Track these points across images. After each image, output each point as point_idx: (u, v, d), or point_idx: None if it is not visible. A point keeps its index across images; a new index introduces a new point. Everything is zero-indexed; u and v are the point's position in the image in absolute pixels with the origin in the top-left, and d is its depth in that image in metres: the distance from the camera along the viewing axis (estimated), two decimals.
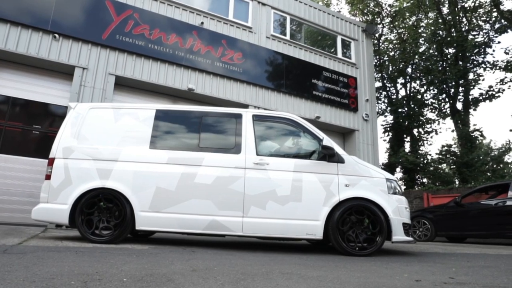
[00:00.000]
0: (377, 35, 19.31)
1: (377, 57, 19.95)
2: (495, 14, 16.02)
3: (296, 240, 4.69)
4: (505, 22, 15.11)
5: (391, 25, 20.39)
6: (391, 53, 20.72)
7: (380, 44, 20.78)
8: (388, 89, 20.98)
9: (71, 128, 4.33)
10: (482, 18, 17.07)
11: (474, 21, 17.23)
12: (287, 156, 4.24)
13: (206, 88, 7.87)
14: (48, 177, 4.14)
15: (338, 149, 4.18)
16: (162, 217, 3.94)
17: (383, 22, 20.60)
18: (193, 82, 7.72)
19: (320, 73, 9.84)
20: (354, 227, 3.94)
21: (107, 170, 4.06)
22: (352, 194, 3.98)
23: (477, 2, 16.97)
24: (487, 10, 16.68)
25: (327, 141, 4.09)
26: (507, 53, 15.55)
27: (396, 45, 20.46)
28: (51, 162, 4.18)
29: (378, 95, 20.54)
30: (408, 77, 19.99)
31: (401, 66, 19.86)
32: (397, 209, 4.01)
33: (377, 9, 20.40)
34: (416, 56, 18.72)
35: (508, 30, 15.25)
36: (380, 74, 20.47)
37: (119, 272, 2.20)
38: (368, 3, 20.40)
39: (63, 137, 4.29)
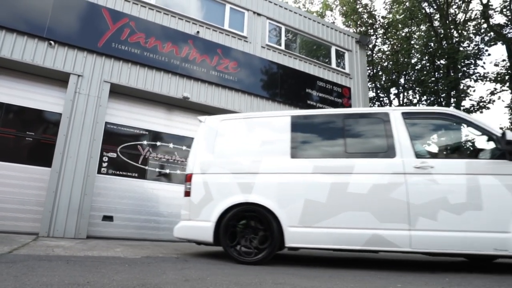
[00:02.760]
0: (370, 46, 19.61)
1: (371, 67, 20.23)
2: (484, 26, 16.41)
3: (483, 256, 4.08)
4: (494, 35, 15.46)
5: (384, 37, 20.73)
6: (385, 64, 21.03)
7: (374, 54, 21.08)
8: (381, 99, 21.24)
9: (205, 143, 4.20)
10: (472, 31, 17.47)
11: (465, 33, 17.62)
12: (453, 156, 3.81)
13: (201, 97, 7.90)
14: (187, 193, 4.00)
15: None
16: (314, 232, 3.57)
17: (376, 33, 20.94)
18: (188, 91, 7.74)
19: (315, 83, 9.94)
20: None
21: (248, 184, 3.81)
22: None
23: (468, 15, 17.39)
24: (477, 22, 17.09)
25: (510, 135, 3.39)
26: (496, 65, 15.91)
27: (389, 56, 20.79)
28: (188, 178, 4.05)
29: (372, 105, 20.76)
30: (401, 88, 20.27)
31: (394, 76, 20.15)
32: None
33: (370, 21, 20.75)
34: (409, 67, 19.04)
35: (497, 43, 15.59)
36: (373, 84, 20.73)
37: (111, 282, 2.17)
38: (362, 15, 20.76)
39: (199, 152, 4.15)
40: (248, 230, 3.76)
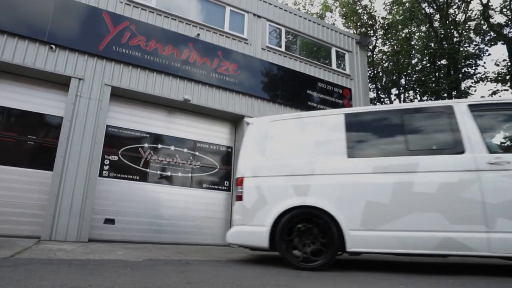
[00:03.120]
0: (370, 47, 19.62)
1: (371, 68, 20.23)
2: (484, 27, 16.41)
3: None
4: (495, 35, 15.45)
5: (385, 37, 20.75)
6: (385, 64, 21.03)
7: (374, 55, 21.09)
8: (382, 100, 21.23)
9: (255, 145, 4.11)
10: (472, 29, 17.47)
11: (465, 33, 17.63)
12: None
13: (202, 99, 7.91)
14: (239, 197, 3.90)
15: None
16: (379, 235, 3.36)
17: (376, 34, 20.96)
18: (189, 93, 7.75)
19: (315, 84, 9.94)
20: None
21: (304, 186, 3.67)
22: None
23: (468, 15, 17.38)
24: (477, 22, 17.09)
25: None
26: (497, 65, 15.90)
27: (390, 57, 20.79)
28: (240, 182, 3.95)
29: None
30: (401, 88, 20.27)
31: (394, 77, 20.15)
32: None
33: (370, 22, 20.77)
34: (410, 68, 19.04)
35: (498, 42, 15.58)
36: (374, 85, 20.73)
37: (113, 285, 2.17)
38: (362, 16, 20.78)
39: (249, 155, 4.07)
40: (306, 235, 3.59)
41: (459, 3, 17.29)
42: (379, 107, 4.09)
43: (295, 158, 3.89)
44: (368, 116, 3.95)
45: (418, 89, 18.96)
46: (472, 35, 17.45)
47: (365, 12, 20.62)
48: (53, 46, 6.44)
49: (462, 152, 3.41)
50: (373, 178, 3.53)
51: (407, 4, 18.35)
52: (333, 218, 3.49)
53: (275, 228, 3.63)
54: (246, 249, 5.52)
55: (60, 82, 6.63)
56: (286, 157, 3.95)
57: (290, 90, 9.39)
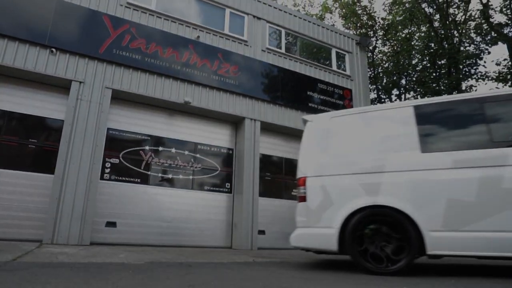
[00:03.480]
0: (371, 47, 19.63)
1: (371, 68, 20.23)
2: (485, 26, 16.41)
3: None
4: (495, 35, 15.45)
5: (385, 38, 20.76)
6: (385, 65, 21.04)
7: (374, 56, 21.10)
8: (383, 100, 21.22)
9: (316, 143, 3.96)
10: (472, 30, 17.48)
11: (465, 32, 17.63)
12: None
13: (203, 101, 7.91)
14: (302, 198, 3.76)
15: None
16: (464, 237, 3.09)
17: (376, 35, 20.97)
18: (190, 95, 7.76)
19: (316, 85, 9.94)
20: None
21: (374, 184, 3.47)
22: None
23: (468, 15, 17.40)
24: (477, 22, 17.10)
25: None
26: (498, 65, 15.89)
27: (390, 57, 20.79)
28: (302, 182, 3.81)
29: None
30: (402, 89, 20.27)
31: (395, 77, 20.15)
32: None
33: (370, 22, 20.79)
34: (410, 68, 19.04)
35: (498, 42, 15.58)
36: (374, 86, 20.73)
37: None
38: (361, 17, 20.80)
39: (311, 153, 3.92)
40: (378, 236, 3.36)
41: (459, 3, 17.31)
42: (453, 96, 3.75)
43: (361, 155, 3.72)
44: (441, 107, 3.69)
45: (419, 89, 18.97)
46: (472, 35, 17.46)
47: (364, 12, 20.65)
48: (54, 50, 6.46)
49: None
50: (454, 173, 3.26)
51: (407, 5, 18.37)
52: (410, 218, 3.26)
53: (344, 230, 3.45)
54: (246, 251, 5.51)
55: (61, 86, 6.64)
56: (352, 154, 3.79)
57: (291, 91, 9.39)
